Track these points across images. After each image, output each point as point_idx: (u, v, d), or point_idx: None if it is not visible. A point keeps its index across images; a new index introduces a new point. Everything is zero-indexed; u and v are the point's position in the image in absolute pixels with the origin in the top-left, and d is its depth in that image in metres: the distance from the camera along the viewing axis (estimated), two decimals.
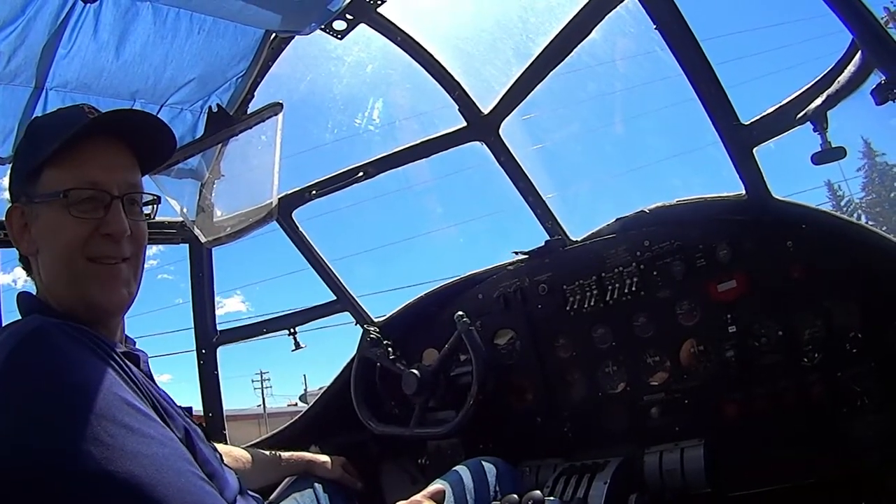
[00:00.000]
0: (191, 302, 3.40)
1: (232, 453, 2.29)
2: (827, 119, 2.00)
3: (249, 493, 1.74)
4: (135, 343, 1.61)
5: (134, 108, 2.55)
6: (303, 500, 2.30)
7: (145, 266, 1.56)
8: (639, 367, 2.66)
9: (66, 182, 1.39)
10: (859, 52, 1.90)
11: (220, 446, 1.97)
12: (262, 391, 46.71)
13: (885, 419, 2.15)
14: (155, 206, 1.59)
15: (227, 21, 2.38)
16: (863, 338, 2.23)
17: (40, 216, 1.41)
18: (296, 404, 43.00)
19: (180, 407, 1.52)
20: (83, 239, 1.39)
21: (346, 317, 3.47)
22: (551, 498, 2.11)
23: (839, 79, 1.98)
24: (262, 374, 47.34)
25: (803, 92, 2.12)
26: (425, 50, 2.85)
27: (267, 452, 2.47)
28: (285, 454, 2.48)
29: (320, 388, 4.03)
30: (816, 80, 2.10)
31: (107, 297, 1.42)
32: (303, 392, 43.54)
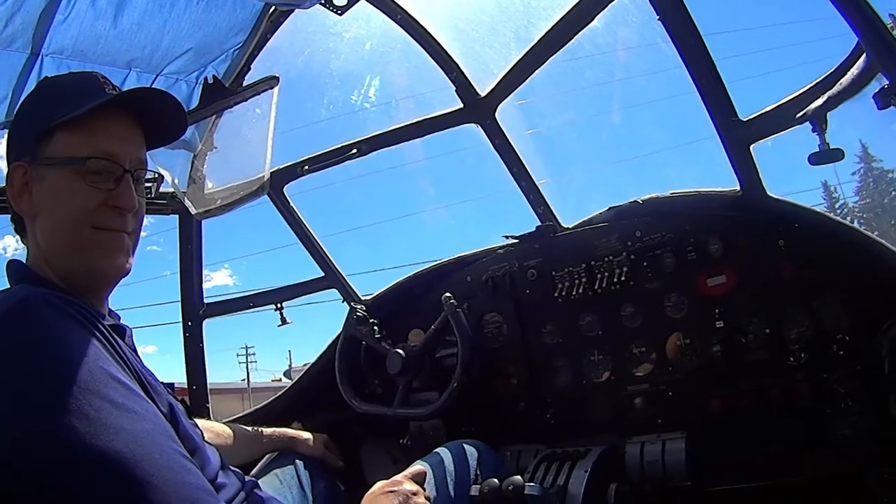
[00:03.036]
0: (178, 274, 3.39)
1: (213, 429, 2.29)
2: (827, 120, 1.99)
3: (231, 468, 1.74)
4: (119, 318, 1.60)
5: (131, 76, 2.54)
6: (284, 477, 2.30)
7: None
8: (624, 357, 2.68)
9: (82, 149, 1.39)
10: (864, 54, 1.89)
11: (201, 422, 1.97)
12: (247, 366, 46.84)
13: (868, 422, 2.18)
14: (155, 183, 1.60)
15: None
16: (850, 341, 2.25)
17: (47, 178, 1.41)
18: (280, 380, 43.10)
19: (163, 383, 1.52)
20: (93, 208, 1.40)
21: (332, 294, 3.47)
22: (532, 483, 2.12)
23: (842, 80, 1.97)
24: (247, 348, 47.46)
25: (805, 91, 2.11)
26: (424, 29, 2.84)
27: (249, 428, 2.46)
28: (267, 430, 2.48)
29: (305, 365, 4.03)
30: (819, 80, 2.09)
31: (109, 263, 1.44)
32: (287, 368, 43.71)
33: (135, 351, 1.50)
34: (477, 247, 3.26)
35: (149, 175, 1.56)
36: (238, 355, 47.37)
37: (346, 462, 2.62)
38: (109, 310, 1.56)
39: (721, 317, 2.46)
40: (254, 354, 49.22)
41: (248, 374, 46.16)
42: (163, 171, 2.94)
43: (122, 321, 1.58)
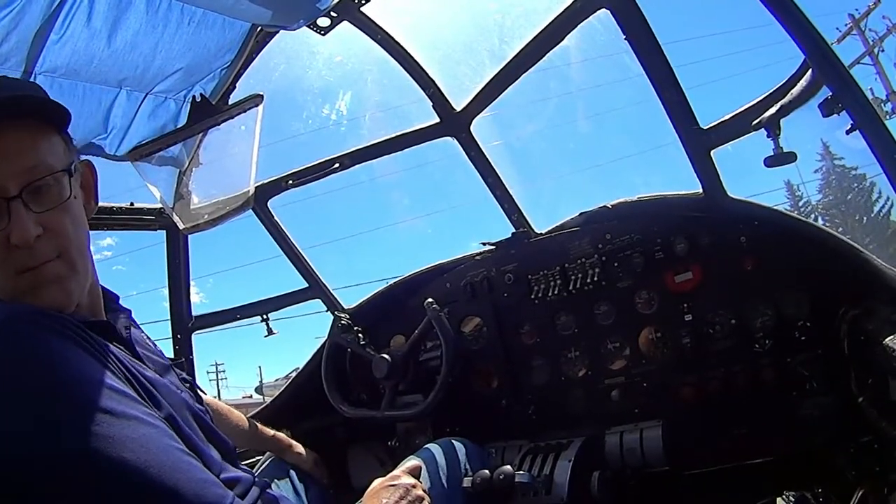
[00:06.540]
0: (167, 288, 3.42)
1: (232, 413, 2.46)
2: (780, 126, 2.16)
3: (242, 466, 1.80)
4: (118, 298, 1.58)
5: (121, 94, 2.57)
6: (280, 483, 2.42)
7: (91, 248, 1.44)
8: (600, 352, 2.81)
9: None
10: (810, 69, 2.07)
11: (212, 401, 2.05)
12: (217, 383, 46.28)
13: (831, 402, 2.32)
14: (70, 177, 1.34)
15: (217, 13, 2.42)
16: (811, 326, 2.40)
17: None
18: (250, 396, 42.60)
19: (169, 360, 1.57)
20: (1, 255, 1.25)
21: (300, 309, 3.54)
22: (521, 472, 2.22)
23: (792, 91, 2.15)
24: (216, 365, 46.84)
25: (759, 101, 2.28)
26: (403, 48, 2.94)
27: (258, 424, 2.58)
28: (270, 430, 2.59)
29: (276, 380, 4.05)
30: (771, 91, 2.26)
31: (48, 301, 1.29)
32: (258, 384, 43.24)
33: (131, 340, 1.45)
34: (454, 255, 3.37)
35: (77, 161, 1.40)
36: (208, 372, 46.77)
37: (334, 469, 2.73)
38: (108, 292, 1.55)
39: (689, 310, 2.61)
40: (224, 371, 48.66)
41: (218, 391, 45.59)
42: (151, 188, 3.02)
43: (119, 303, 1.58)
